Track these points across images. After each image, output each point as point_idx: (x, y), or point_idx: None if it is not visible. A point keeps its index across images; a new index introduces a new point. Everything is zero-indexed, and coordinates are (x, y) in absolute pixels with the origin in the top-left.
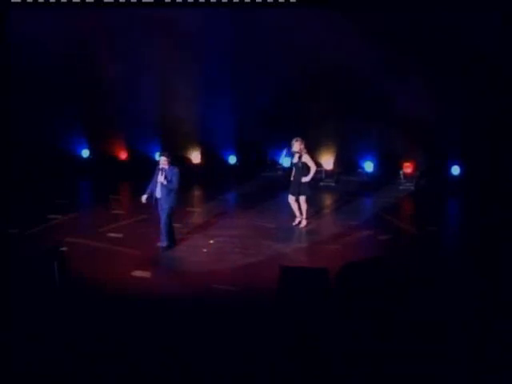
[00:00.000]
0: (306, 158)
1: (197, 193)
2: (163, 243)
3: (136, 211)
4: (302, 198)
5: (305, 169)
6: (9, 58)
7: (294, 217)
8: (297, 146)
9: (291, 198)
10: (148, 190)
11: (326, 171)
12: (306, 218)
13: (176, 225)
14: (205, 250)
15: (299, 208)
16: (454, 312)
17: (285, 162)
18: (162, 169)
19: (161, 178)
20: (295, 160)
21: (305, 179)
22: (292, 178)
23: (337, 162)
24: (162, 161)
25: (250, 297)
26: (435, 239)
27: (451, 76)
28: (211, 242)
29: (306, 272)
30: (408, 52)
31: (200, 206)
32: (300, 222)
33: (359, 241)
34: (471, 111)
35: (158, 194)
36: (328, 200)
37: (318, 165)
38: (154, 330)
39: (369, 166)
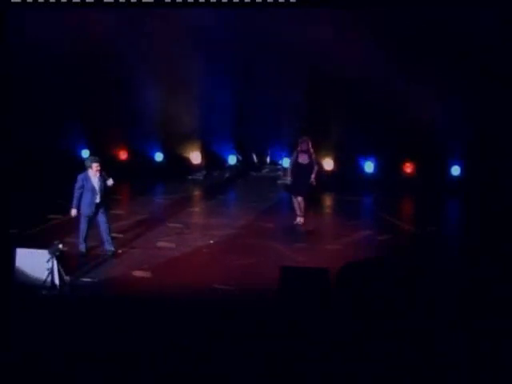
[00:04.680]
0: (314, 157)
1: (196, 193)
2: (110, 247)
3: (136, 211)
4: (300, 198)
5: (312, 167)
6: (9, 58)
7: (295, 216)
8: (305, 144)
9: (300, 198)
10: (76, 202)
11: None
12: (303, 216)
13: (176, 225)
14: (205, 250)
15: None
16: (454, 311)
17: (285, 162)
18: (101, 173)
19: (110, 182)
20: (303, 160)
21: (312, 177)
22: (298, 178)
23: (337, 162)
24: (97, 167)
25: (250, 297)
26: (435, 239)
27: (451, 76)
28: (211, 242)
29: (306, 272)
30: (408, 52)
31: (200, 205)
32: (300, 221)
33: (359, 241)
34: (471, 111)
35: (98, 198)
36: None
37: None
38: (153, 329)
39: (369, 166)
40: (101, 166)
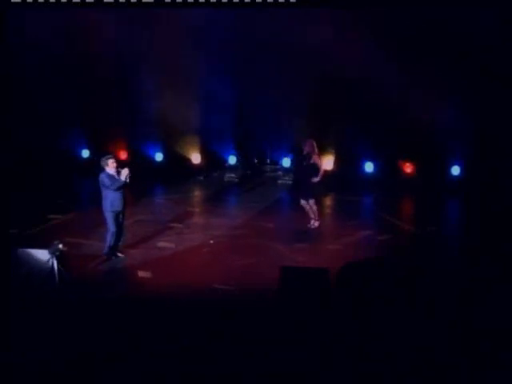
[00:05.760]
0: (316, 159)
1: (197, 193)
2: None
3: (136, 211)
4: (312, 201)
5: (313, 170)
6: (8, 58)
7: (296, 217)
8: (307, 147)
9: (303, 202)
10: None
11: None
12: (318, 220)
13: (176, 225)
14: (205, 250)
15: (311, 209)
16: (454, 311)
17: (285, 162)
18: (117, 168)
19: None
20: (305, 162)
21: (315, 179)
22: (300, 180)
23: (337, 162)
24: (112, 163)
25: (250, 297)
26: (435, 239)
27: (451, 76)
28: (211, 242)
29: (306, 272)
30: (408, 52)
31: (200, 205)
32: (313, 225)
33: (359, 241)
34: (471, 111)
35: (123, 192)
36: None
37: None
38: (153, 329)
39: (369, 166)
40: (116, 161)
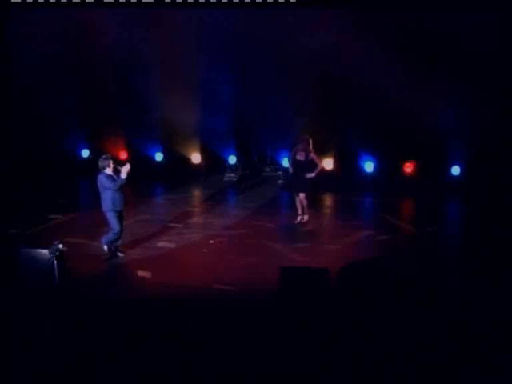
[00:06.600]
0: (313, 156)
1: (197, 193)
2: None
3: (136, 211)
4: (302, 195)
5: (310, 166)
6: (9, 58)
7: (296, 215)
8: (303, 144)
9: (302, 196)
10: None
11: None
12: (306, 214)
13: (176, 225)
14: (205, 250)
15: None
16: (454, 311)
17: (285, 162)
18: (115, 168)
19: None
20: (300, 157)
21: (309, 175)
22: (295, 176)
23: (337, 162)
24: (113, 163)
25: (250, 297)
26: (435, 239)
27: (452, 76)
28: (211, 241)
29: (306, 272)
30: (410, 53)
31: (200, 205)
32: (302, 219)
33: (359, 241)
34: (472, 111)
35: (123, 192)
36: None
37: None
38: (153, 329)
39: (369, 166)
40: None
